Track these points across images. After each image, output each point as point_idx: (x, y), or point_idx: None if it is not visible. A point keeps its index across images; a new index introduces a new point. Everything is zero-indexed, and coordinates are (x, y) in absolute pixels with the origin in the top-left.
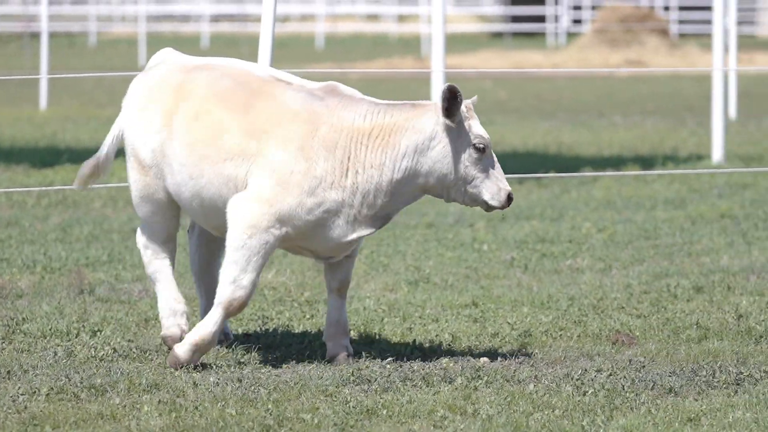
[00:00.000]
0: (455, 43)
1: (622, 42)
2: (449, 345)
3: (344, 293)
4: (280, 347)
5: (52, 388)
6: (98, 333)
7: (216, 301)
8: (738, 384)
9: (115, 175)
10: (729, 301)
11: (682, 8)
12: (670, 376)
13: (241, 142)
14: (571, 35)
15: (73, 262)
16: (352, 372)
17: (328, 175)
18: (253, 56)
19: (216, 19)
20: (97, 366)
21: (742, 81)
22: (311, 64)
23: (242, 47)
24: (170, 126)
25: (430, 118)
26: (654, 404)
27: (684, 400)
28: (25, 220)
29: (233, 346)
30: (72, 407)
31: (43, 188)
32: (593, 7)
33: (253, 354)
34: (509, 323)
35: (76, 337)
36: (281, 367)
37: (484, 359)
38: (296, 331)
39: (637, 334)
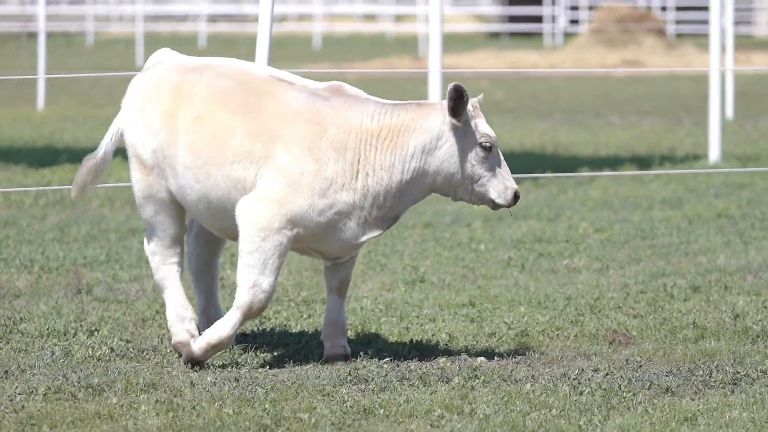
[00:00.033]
0: (452, 43)
1: (619, 42)
2: (446, 344)
3: (344, 293)
4: (278, 347)
5: (49, 388)
6: (95, 333)
7: (235, 304)
8: (735, 384)
9: (112, 175)
10: (726, 301)
11: (679, 8)
12: (666, 375)
13: (247, 144)
14: (568, 35)
15: (70, 262)
16: (350, 372)
17: (339, 177)
18: (250, 56)
19: (213, 19)
20: (94, 366)
21: (739, 81)
22: (308, 64)
23: (240, 47)
24: (170, 127)
25: (436, 118)
26: (651, 404)
27: (681, 400)
28: (22, 219)
29: (231, 346)
30: (69, 407)
31: (41, 188)
32: (590, 8)
33: (250, 354)
34: (506, 323)
35: (73, 337)
36: (278, 367)
37: (481, 359)
38: (293, 330)
39: (634, 333)
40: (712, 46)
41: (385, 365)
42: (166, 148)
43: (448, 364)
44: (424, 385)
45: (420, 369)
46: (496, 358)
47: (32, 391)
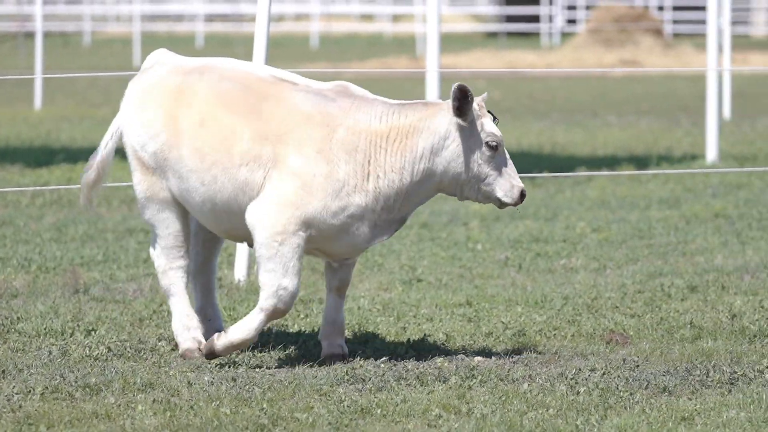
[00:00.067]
0: (450, 42)
1: (617, 42)
2: (443, 344)
3: (343, 293)
4: (275, 346)
5: (46, 388)
6: (93, 332)
7: (260, 306)
8: (732, 383)
9: (109, 176)
10: (723, 301)
11: (676, 8)
12: (664, 375)
13: (255, 147)
14: (565, 35)
15: (67, 262)
16: (347, 371)
17: (351, 179)
18: (247, 56)
19: (210, 18)
20: (91, 365)
21: (736, 81)
22: (306, 63)
23: (237, 47)
24: (173, 130)
25: (443, 117)
26: (648, 403)
27: (678, 400)
28: (19, 219)
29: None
30: (67, 406)
31: (38, 188)
32: (587, 7)
33: (247, 353)
34: (503, 322)
35: (70, 337)
36: (276, 367)
37: (478, 358)
38: (291, 330)
39: (631, 333)
40: (709, 46)
41: (383, 365)
42: (168, 150)
43: (446, 364)
44: (422, 385)
45: (417, 368)
46: (493, 357)
47: (29, 391)
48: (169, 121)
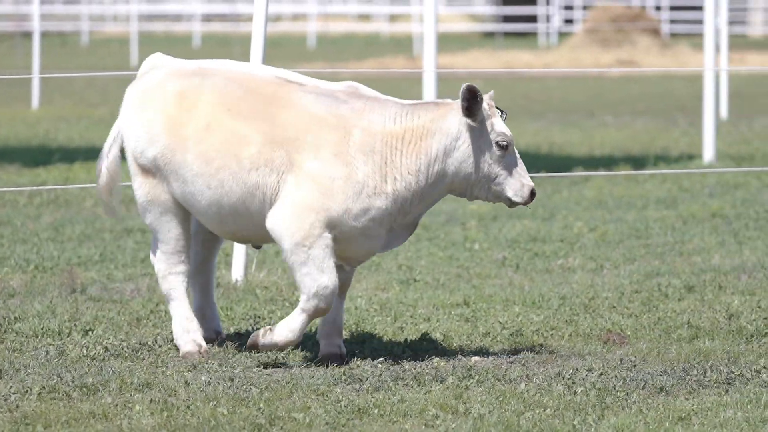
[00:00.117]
0: (447, 42)
1: (614, 42)
2: (441, 344)
3: (344, 293)
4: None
5: (44, 387)
6: (90, 332)
7: (301, 307)
8: (729, 383)
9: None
10: (720, 301)
11: (673, 8)
12: (661, 375)
13: (267, 152)
14: (562, 35)
15: (65, 262)
16: (344, 371)
17: (370, 180)
18: (245, 56)
19: (208, 18)
20: (89, 365)
21: (733, 81)
22: (303, 63)
23: (234, 47)
24: (175, 135)
25: (454, 118)
26: (645, 403)
27: (675, 400)
28: (17, 219)
29: (225, 345)
30: (64, 406)
31: (35, 188)
32: (584, 7)
33: (244, 353)
34: (500, 322)
35: (68, 336)
36: (273, 367)
37: (476, 358)
38: None
39: (629, 333)
40: (706, 45)
41: (380, 365)
42: (170, 154)
43: (443, 364)
44: (419, 385)
45: (414, 368)
46: (490, 357)
47: (27, 391)
48: (171, 125)
